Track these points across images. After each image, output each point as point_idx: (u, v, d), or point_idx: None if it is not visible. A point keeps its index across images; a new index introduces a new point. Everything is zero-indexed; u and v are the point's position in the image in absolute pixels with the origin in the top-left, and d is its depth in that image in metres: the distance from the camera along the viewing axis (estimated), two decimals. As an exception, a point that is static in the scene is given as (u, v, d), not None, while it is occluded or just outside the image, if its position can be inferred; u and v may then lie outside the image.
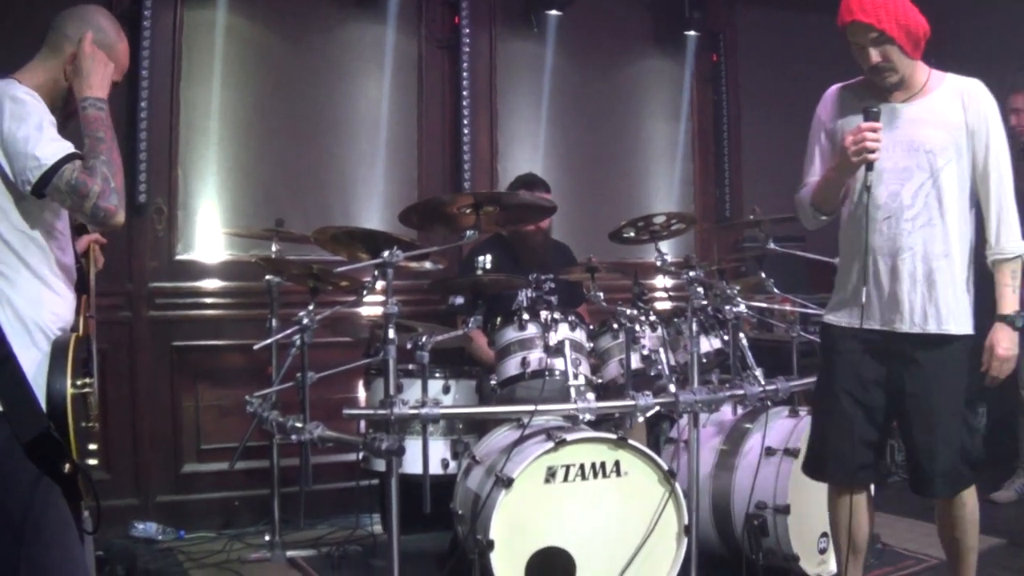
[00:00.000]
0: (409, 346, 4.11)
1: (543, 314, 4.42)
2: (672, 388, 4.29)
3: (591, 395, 4.18)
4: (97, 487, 2.67)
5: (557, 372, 4.32)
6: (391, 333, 3.84)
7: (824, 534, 4.40)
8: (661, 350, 4.57)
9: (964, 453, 3.52)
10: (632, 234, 4.64)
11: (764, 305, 5.26)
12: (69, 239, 2.90)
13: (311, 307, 4.30)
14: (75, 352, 2.67)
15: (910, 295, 3.51)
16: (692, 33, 7.35)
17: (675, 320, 4.82)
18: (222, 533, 5.55)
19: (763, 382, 4.41)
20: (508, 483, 3.89)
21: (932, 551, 4.70)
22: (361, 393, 5.30)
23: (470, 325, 4.31)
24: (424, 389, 4.08)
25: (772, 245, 4.91)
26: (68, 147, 2.61)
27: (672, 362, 4.59)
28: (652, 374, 4.55)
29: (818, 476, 3.83)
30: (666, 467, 4.17)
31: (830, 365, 3.73)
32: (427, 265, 4.94)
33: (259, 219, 5.60)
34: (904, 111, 3.54)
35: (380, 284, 3.98)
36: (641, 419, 4.42)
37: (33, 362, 2.60)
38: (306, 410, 4.12)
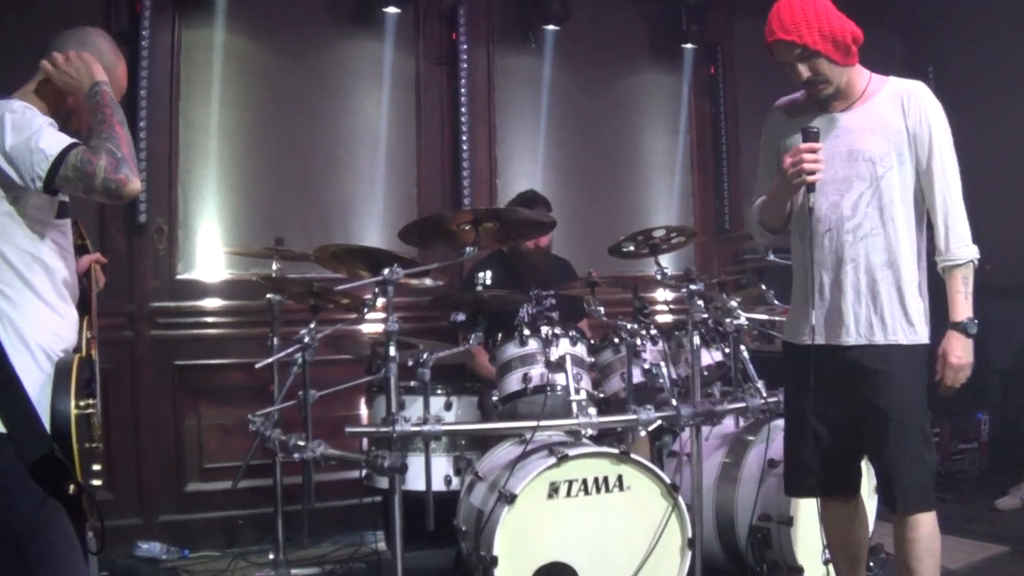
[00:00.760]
0: (410, 363, 4.11)
1: (544, 329, 4.43)
2: (674, 402, 4.28)
3: (593, 410, 4.19)
4: (101, 507, 2.68)
5: (559, 387, 4.32)
6: (392, 350, 3.84)
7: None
8: (662, 364, 4.56)
9: (926, 466, 3.41)
10: (632, 248, 4.64)
11: (765, 317, 5.25)
12: (72, 259, 2.91)
13: (312, 325, 4.30)
14: (78, 373, 2.68)
15: (854, 307, 3.44)
16: (689, 46, 7.37)
17: (676, 333, 4.83)
18: (226, 552, 5.56)
19: (765, 394, 4.42)
20: (511, 499, 3.88)
21: (937, 561, 4.69)
22: (363, 411, 5.30)
23: (471, 341, 4.31)
24: (426, 406, 4.07)
25: (772, 257, 4.90)
26: (70, 139, 2.63)
27: (673, 375, 4.59)
28: (654, 387, 4.55)
29: (795, 492, 3.79)
30: (669, 481, 4.16)
31: (789, 383, 3.70)
32: (428, 282, 4.96)
33: (259, 238, 5.61)
34: (842, 120, 3.49)
35: (381, 301, 3.98)
36: (643, 433, 4.43)
37: (36, 383, 2.61)
38: (308, 428, 4.12)
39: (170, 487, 5.68)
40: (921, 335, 3.45)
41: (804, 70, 3.38)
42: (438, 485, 4.46)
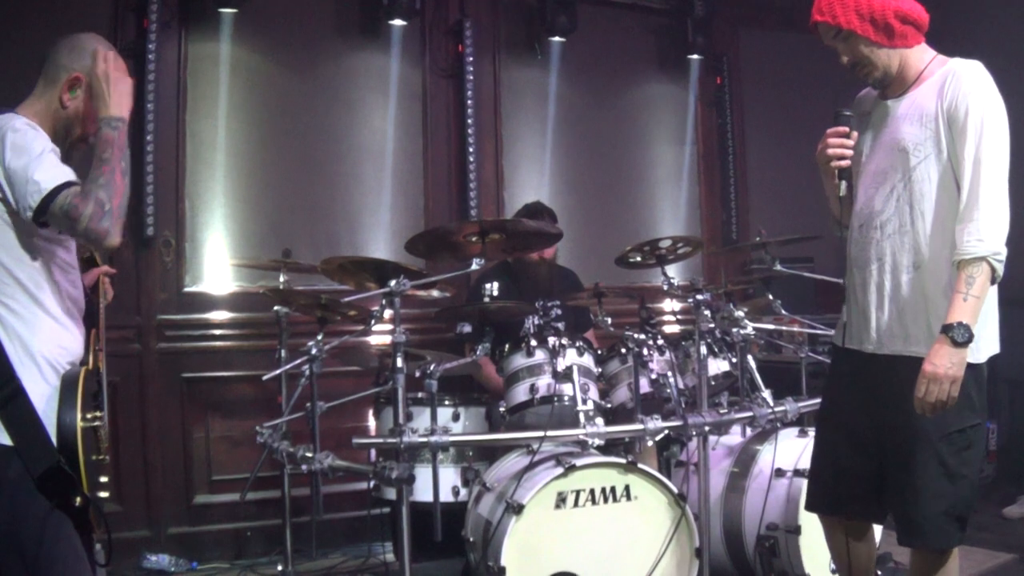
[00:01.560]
0: (418, 374, 4.11)
1: (551, 340, 4.43)
2: (681, 411, 4.28)
3: (600, 420, 4.18)
4: (109, 519, 2.69)
5: (566, 397, 4.31)
6: (400, 361, 3.84)
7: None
8: (669, 374, 4.55)
9: (944, 503, 3.04)
10: (639, 258, 4.65)
11: (772, 327, 5.26)
12: (78, 272, 2.92)
13: (319, 337, 4.31)
14: (85, 385, 2.69)
15: (876, 312, 3.17)
16: (696, 57, 7.37)
17: (683, 343, 4.81)
18: (234, 564, 5.56)
19: (772, 404, 4.40)
20: (519, 509, 3.89)
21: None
22: (371, 422, 5.30)
23: (478, 352, 4.31)
24: (433, 417, 4.07)
25: (779, 267, 4.88)
26: (67, 174, 2.64)
27: (681, 385, 4.57)
28: (661, 397, 4.55)
29: (814, 508, 3.50)
30: (676, 490, 4.17)
31: (824, 388, 3.55)
32: (435, 293, 4.96)
33: (266, 250, 5.62)
34: (892, 108, 3.21)
35: (388, 313, 3.98)
36: (651, 443, 4.41)
37: (43, 396, 2.61)
38: (316, 440, 4.12)
39: (178, 499, 5.68)
40: None
41: (843, 53, 3.16)
42: (446, 496, 4.46)
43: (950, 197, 3.05)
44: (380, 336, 5.35)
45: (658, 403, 4.56)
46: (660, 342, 4.69)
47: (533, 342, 4.44)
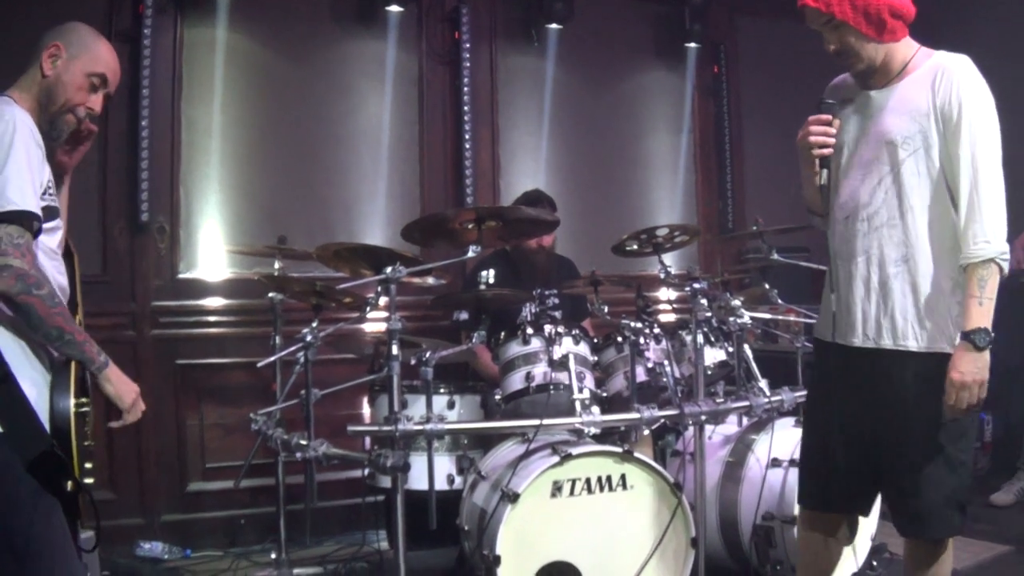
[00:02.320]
0: (413, 362, 4.09)
1: (547, 328, 4.41)
2: (677, 400, 4.27)
3: (596, 409, 4.17)
4: (102, 507, 2.68)
5: (562, 386, 4.30)
6: (395, 349, 3.82)
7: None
8: (666, 362, 4.54)
9: (945, 491, 3.06)
10: (635, 247, 4.63)
11: (768, 316, 5.25)
12: (61, 260, 2.91)
13: (314, 324, 4.28)
14: (77, 370, 2.68)
15: (863, 305, 3.15)
16: (693, 45, 7.36)
17: (679, 332, 4.80)
18: (228, 551, 5.55)
19: (768, 393, 4.39)
20: (514, 498, 3.88)
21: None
22: (366, 410, 5.28)
23: (474, 340, 4.29)
24: (429, 405, 4.05)
25: (775, 256, 4.88)
26: (31, 204, 2.62)
27: (677, 374, 4.57)
28: (657, 386, 4.54)
29: (806, 503, 3.46)
30: (672, 480, 4.16)
31: (811, 384, 3.54)
32: (430, 281, 4.95)
33: (261, 236, 5.60)
34: (875, 100, 3.18)
35: (383, 300, 3.96)
36: (646, 432, 4.42)
37: (32, 381, 2.60)
38: (311, 427, 4.10)
39: (172, 487, 5.67)
40: (943, 343, 3.06)
41: (832, 41, 3.12)
42: (441, 484, 4.46)
43: (939, 192, 3.07)
44: (375, 323, 5.33)
45: (654, 392, 4.55)
46: (656, 331, 4.67)
47: (529, 330, 4.43)
